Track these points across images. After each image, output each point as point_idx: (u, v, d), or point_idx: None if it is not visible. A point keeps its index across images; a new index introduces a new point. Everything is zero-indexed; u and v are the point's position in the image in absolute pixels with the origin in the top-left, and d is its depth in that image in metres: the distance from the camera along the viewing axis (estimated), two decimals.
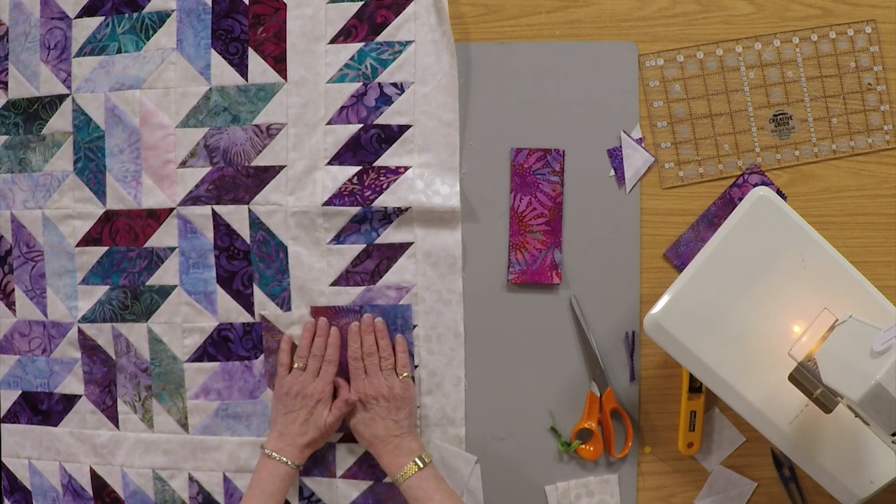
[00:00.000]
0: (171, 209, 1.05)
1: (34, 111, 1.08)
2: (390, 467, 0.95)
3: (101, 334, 1.07)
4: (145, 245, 1.06)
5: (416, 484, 0.93)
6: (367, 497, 1.04)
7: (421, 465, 0.94)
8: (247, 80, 1.03)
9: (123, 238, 1.06)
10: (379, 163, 1.02)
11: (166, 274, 1.05)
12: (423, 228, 1.02)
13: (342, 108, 1.02)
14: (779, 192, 1.01)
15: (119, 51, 1.05)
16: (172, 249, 1.05)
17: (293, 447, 0.96)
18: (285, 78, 1.03)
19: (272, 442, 0.97)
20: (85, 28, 1.06)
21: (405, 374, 0.99)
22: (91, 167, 1.06)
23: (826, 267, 0.90)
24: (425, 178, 1.01)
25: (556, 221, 1.02)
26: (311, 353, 1.00)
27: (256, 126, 1.03)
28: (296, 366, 1.00)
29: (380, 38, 1.02)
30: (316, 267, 1.03)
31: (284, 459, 0.96)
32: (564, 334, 1.03)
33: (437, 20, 1.01)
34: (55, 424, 1.09)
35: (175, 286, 1.05)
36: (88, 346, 1.07)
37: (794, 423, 0.89)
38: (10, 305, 1.10)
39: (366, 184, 1.02)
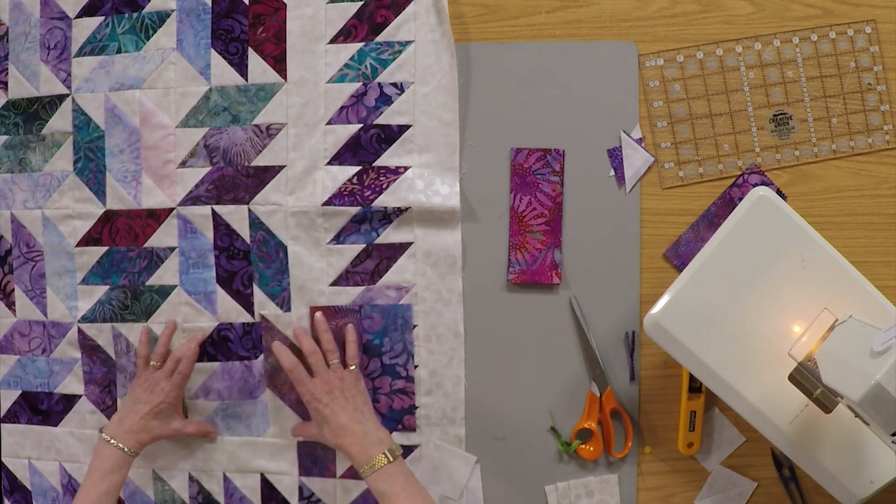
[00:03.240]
0: (171, 209, 1.05)
1: (34, 111, 1.08)
2: (359, 458, 0.92)
3: (101, 334, 1.07)
4: (145, 245, 1.06)
5: (383, 478, 0.91)
6: (367, 497, 1.04)
7: (391, 459, 0.92)
8: (247, 80, 1.03)
9: (123, 238, 1.06)
10: (379, 163, 1.02)
11: (166, 274, 1.05)
12: (422, 228, 1.02)
13: (342, 108, 1.02)
14: (779, 192, 1.01)
15: (119, 51, 1.05)
16: (172, 249, 1.05)
17: (130, 436, 0.97)
18: (285, 78, 1.03)
19: (112, 427, 0.97)
20: (85, 28, 1.06)
21: (353, 367, 0.99)
22: (91, 167, 1.06)
23: (826, 267, 0.90)
24: (425, 178, 1.02)
25: (556, 221, 1.02)
26: (170, 354, 1.01)
27: (256, 126, 1.03)
28: (153, 363, 1.00)
29: (380, 38, 1.02)
30: (316, 267, 1.03)
31: (120, 445, 0.96)
32: (564, 334, 1.03)
33: (437, 20, 1.01)
34: (55, 424, 1.09)
35: (175, 286, 1.05)
36: (88, 346, 1.07)
37: (794, 423, 0.89)
38: (10, 305, 1.10)
39: (366, 184, 1.02)
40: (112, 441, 0.96)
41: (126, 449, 0.96)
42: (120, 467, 0.95)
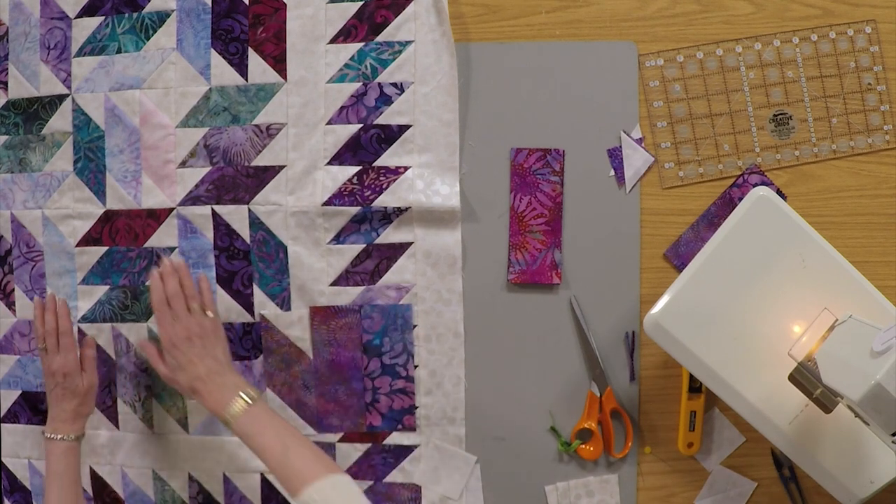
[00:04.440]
0: (171, 209, 1.05)
1: (34, 111, 1.08)
2: (217, 405, 0.90)
3: (101, 334, 1.07)
4: (145, 245, 1.06)
5: (247, 421, 0.89)
6: (367, 497, 1.04)
7: (249, 401, 0.90)
8: (247, 80, 1.03)
9: (123, 238, 1.06)
10: (379, 163, 1.02)
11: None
12: (422, 228, 1.02)
13: (342, 108, 1.02)
14: (779, 192, 1.01)
15: (119, 51, 1.05)
16: (172, 249, 1.05)
17: (63, 422, 0.97)
18: (285, 78, 1.03)
19: (48, 425, 0.98)
20: (85, 28, 1.06)
21: (209, 311, 0.97)
22: (91, 167, 1.06)
23: (826, 267, 0.90)
24: (425, 178, 1.02)
25: (556, 221, 1.02)
26: (46, 331, 0.99)
27: (256, 126, 1.03)
28: (39, 347, 0.99)
29: (380, 38, 1.02)
30: (316, 267, 1.03)
31: (60, 436, 0.96)
32: (564, 334, 1.03)
33: (437, 20, 1.01)
34: None
35: None
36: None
37: (794, 423, 0.89)
38: (10, 305, 1.10)
39: (366, 184, 1.02)
40: (52, 436, 0.96)
41: (67, 437, 0.96)
42: (67, 457, 0.96)
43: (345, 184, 1.02)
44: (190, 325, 0.94)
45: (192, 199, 1.04)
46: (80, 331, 1.07)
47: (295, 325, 1.04)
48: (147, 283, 1.05)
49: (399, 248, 1.03)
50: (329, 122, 1.03)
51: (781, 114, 1.01)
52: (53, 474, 0.95)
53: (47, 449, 0.97)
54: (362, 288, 1.03)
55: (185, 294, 0.96)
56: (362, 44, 1.02)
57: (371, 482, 1.04)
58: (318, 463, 0.86)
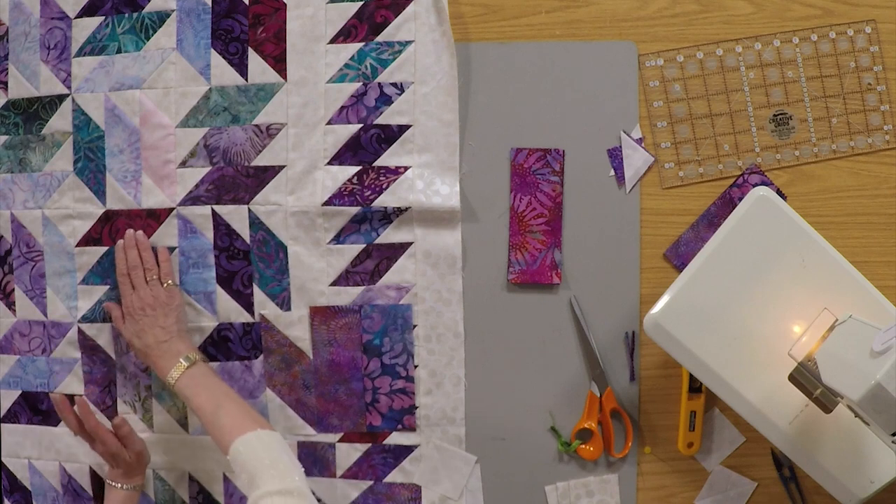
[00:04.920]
0: (171, 209, 1.05)
1: (34, 111, 1.08)
2: (162, 372, 0.95)
3: (101, 334, 1.07)
4: None
5: (185, 383, 0.93)
6: (366, 497, 1.04)
7: (187, 364, 0.94)
8: (247, 80, 1.03)
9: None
10: (379, 163, 1.02)
11: None
12: (422, 228, 1.02)
13: (342, 108, 1.02)
14: (779, 192, 1.01)
15: (119, 51, 1.05)
16: (172, 249, 1.05)
17: (121, 476, 0.99)
18: (285, 78, 1.03)
19: (108, 473, 1.00)
20: (85, 28, 1.06)
21: (169, 282, 1.02)
22: (91, 167, 1.06)
23: (826, 267, 0.90)
24: (425, 178, 1.01)
25: (556, 221, 1.02)
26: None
27: (256, 126, 1.03)
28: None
29: (380, 38, 1.02)
30: (316, 267, 1.03)
31: (120, 485, 0.99)
32: (564, 334, 1.03)
33: (437, 20, 1.01)
34: (55, 424, 1.09)
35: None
36: (88, 346, 1.07)
37: (794, 423, 0.89)
38: (10, 305, 1.10)
39: (366, 184, 1.02)
40: (111, 483, 0.99)
41: (124, 486, 0.99)
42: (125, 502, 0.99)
43: (345, 184, 1.02)
44: (145, 296, 1.00)
45: (192, 199, 1.04)
46: (80, 331, 1.07)
47: (295, 325, 1.04)
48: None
49: (399, 248, 1.03)
50: (329, 122, 1.03)
51: (781, 114, 1.01)
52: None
53: (107, 493, 0.99)
54: (362, 288, 1.03)
55: (143, 266, 1.02)
56: (362, 44, 1.02)
57: (371, 482, 1.04)
58: (247, 418, 0.89)
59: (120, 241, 1.03)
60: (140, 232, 1.04)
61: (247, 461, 0.83)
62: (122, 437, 0.97)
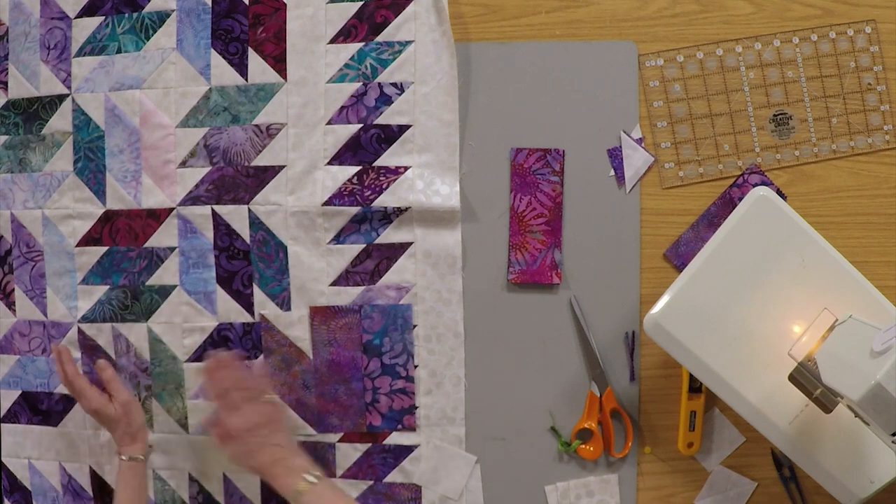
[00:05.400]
0: (171, 209, 1.05)
1: (34, 111, 1.08)
2: (285, 489, 0.91)
3: (101, 334, 1.07)
4: (145, 245, 1.06)
5: (311, 500, 0.89)
6: (367, 497, 1.04)
7: (314, 481, 0.90)
8: (247, 80, 1.03)
9: (123, 238, 1.06)
10: (379, 163, 1.02)
11: (166, 274, 1.05)
12: (422, 228, 1.02)
13: (342, 108, 1.02)
14: (779, 192, 1.01)
15: (119, 51, 1.05)
16: (172, 249, 1.05)
17: (125, 445, 0.99)
18: (285, 78, 1.03)
19: (117, 447, 1.00)
20: (85, 28, 1.06)
21: (268, 395, 0.97)
22: (91, 167, 1.06)
23: (826, 267, 0.90)
24: (425, 178, 1.01)
25: (556, 221, 1.02)
26: (64, 383, 1.00)
27: (256, 126, 1.03)
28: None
29: (380, 38, 1.02)
30: (316, 267, 1.03)
31: (125, 456, 0.99)
32: (564, 334, 1.03)
33: (437, 20, 1.01)
34: (55, 424, 1.09)
35: (175, 286, 1.05)
36: (88, 346, 1.07)
37: (794, 423, 0.89)
38: (10, 305, 1.10)
39: (366, 184, 1.02)
40: (119, 456, 0.98)
41: (130, 456, 0.98)
42: (132, 473, 0.99)
43: (345, 184, 1.02)
44: (250, 416, 0.93)
45: (192, 199, 1.04)
46: (80, 331, 1.07)
47: (295, 325, 1.04)
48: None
49: (399, 248, 1.03)
50: (329, 122, 1.03)
51: (781, 114, 1.01)
52: (119, 492, 0.97)
53: (118, 469, 0.99)
54: (362, 288, 1.03)
55: (244, 385, 0.95)
56: (362, 44, 1.02)
57: (371, 482, 1.04)
58: None
59: (203, 364, 0.97)
60: (227, 353, 0.99)
61: None
62: (105, 382, 0.97)
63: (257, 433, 0.93)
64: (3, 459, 1.11)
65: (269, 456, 0.92)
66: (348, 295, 1.03)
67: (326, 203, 1.02)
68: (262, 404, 0.95)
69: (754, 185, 1.01)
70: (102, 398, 0.98)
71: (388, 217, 1.02)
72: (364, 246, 1.03)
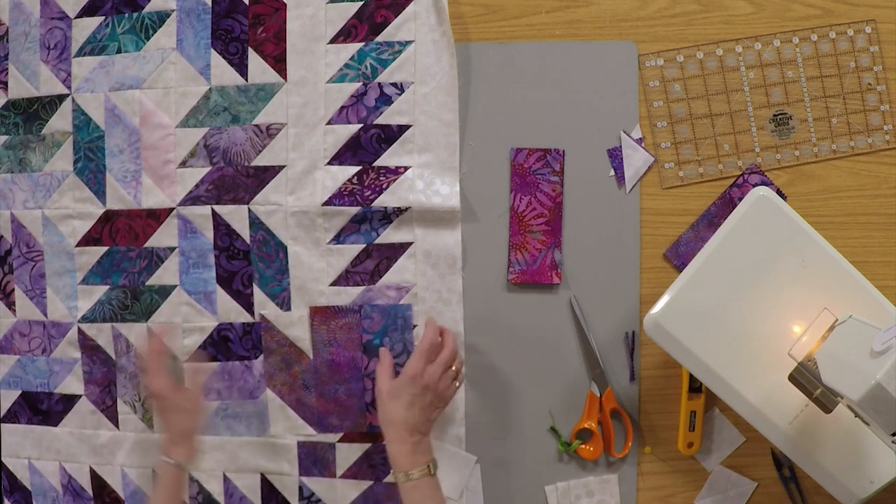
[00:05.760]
0: (171, 209, 1.05)
1: (34, 111, 1.08)
2: (403, 460, 0.89)
3: (101, 334, 1.07)
4: (145, 245, 1.06)
5: (421, 488, 0.89)
6: (367, 497, 1.04)
7: (432, 471, 0.90)
8: (247, 80, 1.03)
9: (123, 238, 1.06)
10: (379, 163, 1.02)
11: (166, 274, 1.05)
12: (422, 228, 1.02)
13: (342, 108, 1.02)
14: (779, 192, 1.01)
15: (119, 51, 1.05)
16: (172, 249, 1.05)
17: (173, 444, 0.97)
18: (285, 78, 1.03)
19: (161, 447, 0.98)
20: (85, 28, 1.06)
21: (458, 384, 0.97)
22: (91, 167, 1.06)
23: (826, 267, 0.90)
24: (425, 178, 1.01)
25: (556, 221, 1.02)
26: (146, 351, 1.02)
27: (256, 126, 1.03)
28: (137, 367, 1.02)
29: (380, 38, 1.02)
30: (316, 267, 1.03)
31: (168, 460, 0.96)
32: (564, 334, 1.03)
33: (437, 20, 1.01)
34: (55, 424, 1.09)
35: (175, 286, 1.05)
36: (88, 346, 1.07)
37: (794, 423, 0.89)
38: (10, 305, 1.10)
39: (366, 184, 1.02)
40: (162, 458, 0.96)
41: (172, 461, 0.96)
42: (171, 480, 0.96)
43: (345, 184, 1.02)
44: (439, 378, 0.93)
45: (192, 199, 1.04)
46: (80, 331, 1.07)
47: (295, 325, 1.04)
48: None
49: (399, 248, 1.03)
50: (329, 122, 1.03)
51: (781, 114, 1.01)
52: (156, 495, 0.96)
53: (160, 470, 0.97)
54: (362, 288, 1.03)
55: (450, 362, 0.95)
56: (362, 44, 1.02)
57: (371, 482, 1.04)
58: None
59: (440, 328, 0.97)
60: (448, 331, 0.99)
61: None
62: (194, 372, 0.99)
63: (428, 394, 0.92)
64: (3, 459, 1.11)
65: (420, 420, 0.91)
66: (348, 295, 1.03)
67: (326, 203, 1.02)
68: (451, 381, 0.95)
69: (754, 185, 1.01)
70: (171, 383, 0.97)
71: (388, 217, 1.02)
72: (364, 246, 1.03)
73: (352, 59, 1.02)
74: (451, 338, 0.96)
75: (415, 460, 0.90)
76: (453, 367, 0.95)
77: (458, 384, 0.97)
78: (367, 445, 1.04)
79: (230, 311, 1.05)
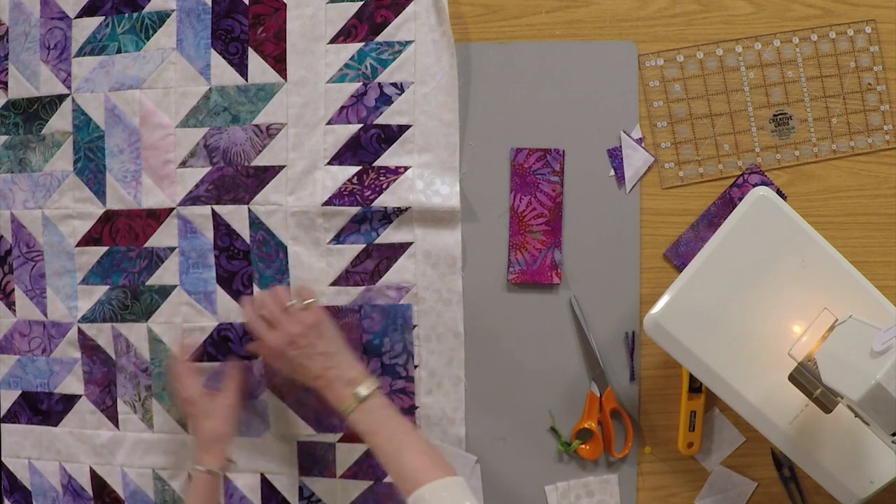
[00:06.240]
0: (171, 209, 1.05)
1: (34, 111, 1.08)
2: (333, 403, 0.90)
3: (101, 334, 1.07)
4: (145, 245, 1.06)
5: (360, 417, 0.88)
6: (367, 497, 1.04)
7: (361, 398, 0.88)
8: (247, 80, 1.03)
9: (123, 238, 1.06)
10: (379, 163, 1.02)
11: (166, 274, 1.05)
12: (422, 228, 1.02)
13: (342, 108, 1.02)
14: (779, 192, 1.01)
15: (119, 51, 1.05)
16: (172, 249, 1.05)
17: (203, 452, 0.97)
18: (285, 78, 1.03)
19: (194, 455, 0.98)
20: (85, 28, 1.06)
21: (308, 301, 0.93)
22: (91, 167, 1.06)
23: (826, 267, 0.90)
24: (425, 178, 1.02)
25: (556, 221, 1.02)
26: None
27: (256, 126, 1.03)
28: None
29: (380, 38, 1.02)
30: (316, 267, 1.03)
31: (201, 468, 0.96)
32: (564, 334, 1.03)
33: (437, 20, 1.01)
34: (55, 424, 1.09)
35: (175, 286, 1.05)
36: (88, 346, 1.07)
37: (794, 423, 0.89)
38: (10, 305, 1.10)
39: (366, 184, 1.02)
40: (195, 466, 0.96)
41: (205, 468, 0.95)
42: (205, 489, 0.95)
43: (345, 184, 1.02)
44: (288, 328, 0.91)
45: (192, 199, 1.04)
46: (80, 331, 1.07)
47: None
48: (147, 284, 1.06)
49: (399, 248, 1.03)
50: (329, 122, 1.03)
51: (781, 114, 1.01)
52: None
53: (192, 479, 0.96)
54: (362, 288, 1.03)
55: (276, 296, 0.94)
56: (362, 44, 1.02)
57: (371, 482, 1.04)
58: (434, 464, 0.84)
59: (248, 300, 0.98)
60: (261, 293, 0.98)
61: None
62: (227, 377, 0.98)
63: (301, 343, 0.90)
64: (3, 459, 1.11)
65: (316, 368, 0.90)
66: (348, 295, 1.03)
67: (326, 203, 1.02)
68: (300, 313, 0.92)
69: (754, 185, 1.01)
70: (202, 389, 0.98)
71: (388, 217, 1.02)
72: (364, 246, 1.03)
73: (352, 59, 1.02)
74: (265, 293, 0.95)
75: (338, 395, 0.89)
76: (291, 302, 0.93)
77: (307, 302, 0.93)
78: (366, 446, 1.04)
79: (230, 311, 1.05)
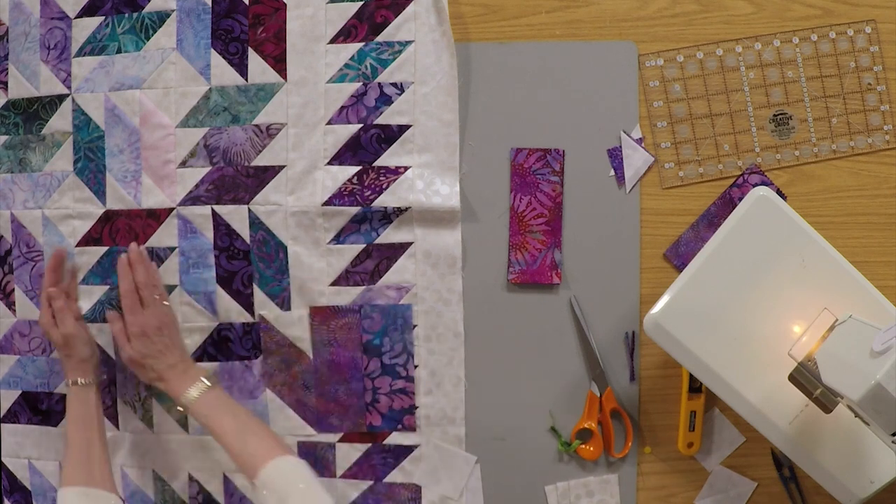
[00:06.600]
0: (171, 209, 1.05)
1: (34, 111, 1.08)
2: (178, 390, 0.95)
3: (101, 334, 1.07)
4: (145, 245, 1.05)
5: (206, 403, 0.94)
6: (366, 497, 1.04)
7: (207, 386, 0.95)
8: (247, 80, 1.03)
9: (123, 238, 1.06)
10: (379, 163, 1.02)
11: (166, 274, 1.05)
12: (422, 228, 1.02)
13: (342, 108, 1.02)
14: (779, 192, 1.01)
15: (119, 51, 1.05)
16: (172, 249, 1.05)
17: (73, 371, 1.00)
18: (285, 78, 1.03)
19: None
20: (85, 28, 1.06)
21: (166, 301, 1.02)
22: (91, 167, 1.06)
23: (826, 267, 0.90)
24: (425, 178, 1.02)
25: (556, 221, 1.02)
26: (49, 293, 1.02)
27: (256, 126, 1.03)
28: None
29: (380, 38, 1.02)
30: (316, 267, 1.03)
31: (73, 381, 0.99)
32: (564, 334, 1.03)
33: (437, 20, 1.01)
34: (55, 424, 1.09)
35: (175, 286, 1.05)
36: None
37: (794, 423, 0.89)
38: (10, 305, 1.10)
39: (366, 184, 1.02)
40: (67, 382, 0.99)
41: (78, 381, 0.99)
42: (81, 400, 0.99)
43: (345, 184, 1.02)
44: (159, 315, 0.99)
45: (192, 199, 1.04)
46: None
47: (295, 325, 1.04)
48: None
49: (399, 248, 1.03)
50: (329, 122, 1.03)
51: (781, 114, 1.01)
52: (71, 420, 0.98)
53: (67, 397, 1.00)
54: (362, 288, 1.03)
55: (138, 285, 1.00)
56: (362, 44, 1.02)
57: (371, 482, 1.04)
58: (276, 444, 0.90)
59: (123, 256, 1.02)
60: (142, 247, 1.04)
61: (280, 486, 0.84)
62: (55, 311, 1.00)
63: (165, 333, 0.98)
64: (3, 459, 1.11)
65: (166, 361, 0.97)
66: (348, 295, 1.03)
67: (326, 203, 1.02)
68: (159, 308, 1.00)
69: (754, 185, 1.01)
70: (51, 321, 1.00)
71: (388, 217, 1.02)
72: (364, 246, 1.03)
73: (352, 59, 1.02)
74: (136, 262, 1.01)
75: (180, 389, 0.95)
76: (144, 291, 0.99)
77: (166, 303, 1.01)
78: (367, 445, 1.04)
79: (230, 311, 1.05)
